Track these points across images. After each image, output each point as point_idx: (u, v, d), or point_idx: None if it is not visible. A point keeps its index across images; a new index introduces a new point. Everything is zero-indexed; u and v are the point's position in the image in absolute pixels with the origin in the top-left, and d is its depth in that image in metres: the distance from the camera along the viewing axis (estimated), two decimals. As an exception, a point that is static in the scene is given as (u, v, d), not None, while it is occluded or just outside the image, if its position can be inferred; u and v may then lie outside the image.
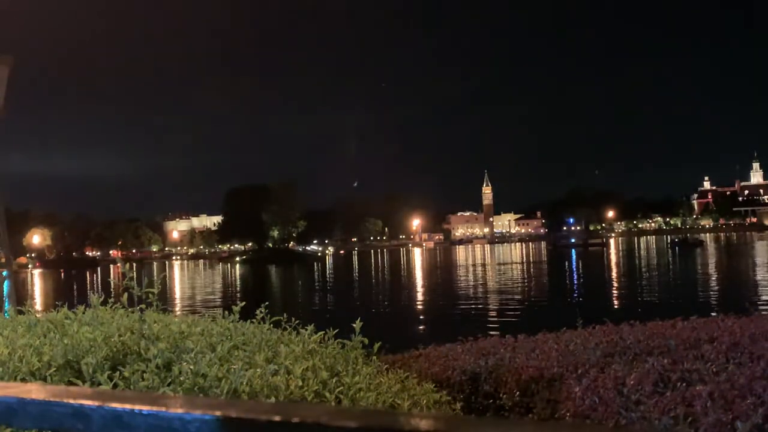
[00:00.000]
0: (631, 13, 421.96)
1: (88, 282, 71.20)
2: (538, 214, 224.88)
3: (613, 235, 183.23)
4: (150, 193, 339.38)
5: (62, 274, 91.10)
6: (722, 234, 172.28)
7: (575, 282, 46.72)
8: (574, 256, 79.24)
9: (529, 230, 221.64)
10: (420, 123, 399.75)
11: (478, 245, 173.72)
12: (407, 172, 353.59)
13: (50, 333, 3.58)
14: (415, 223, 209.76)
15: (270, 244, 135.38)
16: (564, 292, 38.12)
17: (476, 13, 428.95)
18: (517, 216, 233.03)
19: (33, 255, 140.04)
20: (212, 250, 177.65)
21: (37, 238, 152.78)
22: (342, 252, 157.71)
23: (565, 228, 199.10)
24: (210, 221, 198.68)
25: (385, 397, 3.42)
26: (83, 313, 4.10)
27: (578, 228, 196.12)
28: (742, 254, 68.50)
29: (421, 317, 28.96)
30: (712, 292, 33.87)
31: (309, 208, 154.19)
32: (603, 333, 6.26)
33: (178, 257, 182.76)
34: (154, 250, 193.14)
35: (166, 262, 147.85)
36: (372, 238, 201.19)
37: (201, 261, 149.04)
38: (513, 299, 33.75)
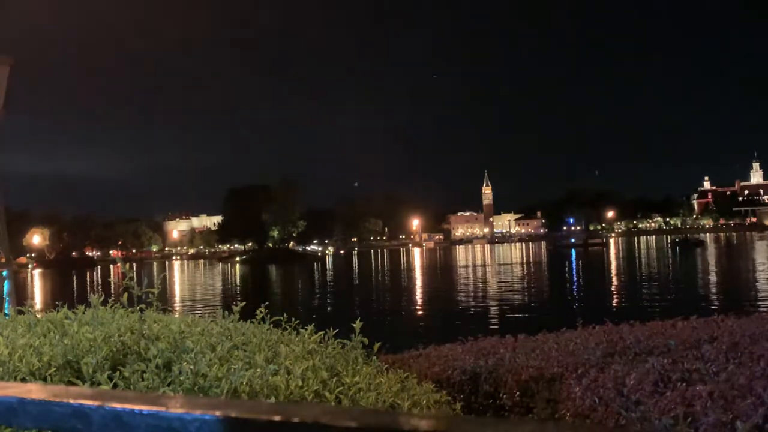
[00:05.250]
0: (632, 11, 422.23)
1: (88, 282, 71.19)
2: (538, 214, 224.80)
3: (613, 235, 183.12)
4: (150, 193, 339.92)
5: (62, 274, 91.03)
6: (722, 234, 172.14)
7: (575, 282, 46.70)
8: (574, 256, 79.19)
9: (529, 230, 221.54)
10: (420, 123, 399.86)
11: (478, 245, 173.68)
12: (407, 172, 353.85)
13: (50, 333, 3.57)
14: (415, 223, 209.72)
15: (270, 244, 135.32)
16: (564, 291, 38.13)
17: (475, 14, 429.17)
18: (517, 216, 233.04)
19: (33, 255, 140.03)
20: (212, 250, 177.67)
21: (37, 238, 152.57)
22: (342, 252, 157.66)
23: (565, 228, 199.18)
24: (210, 221, 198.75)
25: (385, 397, 3.42)
26: (83, 313, 4.09)
27: (578, 228, 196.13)
28: (742, 254, 68.49)
29: (421, 317, 28.94)
30: (712, 292, 33.83)
31: (309, 208, 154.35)
32: (603, 333, 6.27)
33: (178, 257, 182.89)
34: (154, 250, 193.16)
35: (166, 262, 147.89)
36: (372, 238, 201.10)
37: (201, 261, 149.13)
38: (513, 299, 33.72)
